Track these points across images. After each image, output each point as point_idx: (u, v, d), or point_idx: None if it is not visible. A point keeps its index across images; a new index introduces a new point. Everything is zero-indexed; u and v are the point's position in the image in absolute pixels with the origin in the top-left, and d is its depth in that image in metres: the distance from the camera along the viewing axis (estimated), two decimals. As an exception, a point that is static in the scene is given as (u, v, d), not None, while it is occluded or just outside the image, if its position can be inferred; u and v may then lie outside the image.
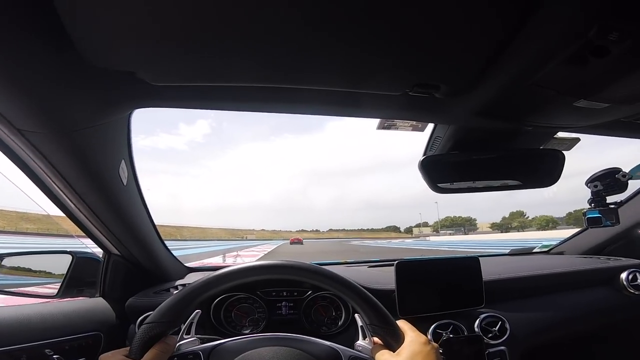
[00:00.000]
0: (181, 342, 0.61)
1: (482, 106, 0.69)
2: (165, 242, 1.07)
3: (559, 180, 0.91)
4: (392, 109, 0.74)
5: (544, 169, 0.89)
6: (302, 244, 47.40)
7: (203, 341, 0.64)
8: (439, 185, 0.86)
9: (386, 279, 1.10)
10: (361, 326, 0.65)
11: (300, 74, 0.59)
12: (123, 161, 0.76)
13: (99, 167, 0.70)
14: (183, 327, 0.62)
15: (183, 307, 0.58)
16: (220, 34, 0.46)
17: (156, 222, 0.99)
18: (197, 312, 0.65)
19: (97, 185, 0.72)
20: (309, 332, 1.08)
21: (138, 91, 0.62)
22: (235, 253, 16.86)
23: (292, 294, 1.10)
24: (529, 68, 0.55)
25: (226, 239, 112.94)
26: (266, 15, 0.42)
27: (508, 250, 1.85)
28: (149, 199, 0.92)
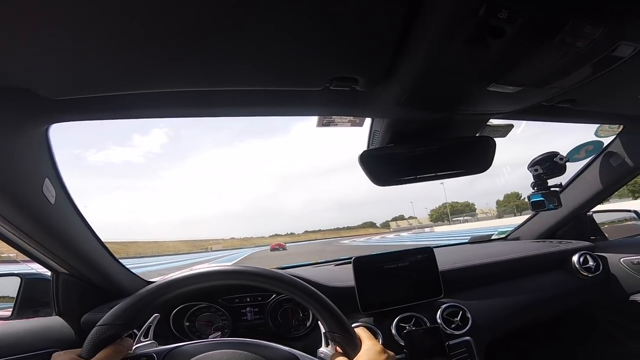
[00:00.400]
0: (138, 345, 0.60)
1: (405, 97, 0.72)
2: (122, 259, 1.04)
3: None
4: (318, 105, 0.77)
5: (478, 156, 0.93)
6: (284, 249, 42.02)
7: (161, 345, 0.63)
8: (380, 178, 0.89)
9: (349, 276, 1.11)
10: (324, 332, 0.64)
11: (218, 75, 0.59)
12: (47, 179, 0.74)
13: (17, 188, 0.68)
14: (141, 330, 0.62)
15: (136, 311, 0.58)
16: (125, 41, 0.46)
17: (105, 239, 0.97)
18: (156, 316, 0.65)
19: (20, 206, 0.70)
20: (277, 335, 1.09)
21: (39, 107, 0.59)
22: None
23: (256, 299, 1.10)
24: (434, 52, 0.57)
25: (186, 252, 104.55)
26: (176, 16, 0.43)
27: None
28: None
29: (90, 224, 0.91)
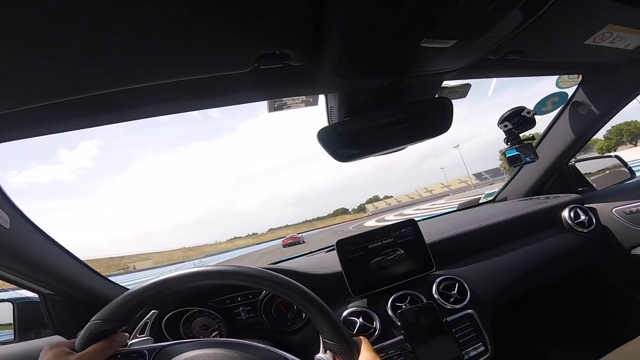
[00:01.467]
0: (133, 341, 0.60)
1: (344, 67, 0.72)
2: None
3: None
4: (254, 88, 0.76)
5: (437, 118, 0.93)
6: (300, 243, 35.37)
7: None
8: (340, 154, 0.88)
9: (337, 261, 1.09)
10: (322, 339, 0.62)
11: (133, 70, 0.57)
12: None
13: None
14: (137, 326, 0.62)
15: (131, 307, 0.58)
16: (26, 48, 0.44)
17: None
18: (153, 312, 0.65)
19: None
20: (273, 331, 1.08)
21: None
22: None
23: (247, 297, 1.09)
24: (352, 12, 0.55)
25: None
26: (77, 11, 0.41)
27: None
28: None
29: (58, 241, 0.90)
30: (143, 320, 0.63)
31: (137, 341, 0.61)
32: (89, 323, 0.56)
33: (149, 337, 0.62)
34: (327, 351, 0.61)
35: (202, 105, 0.79)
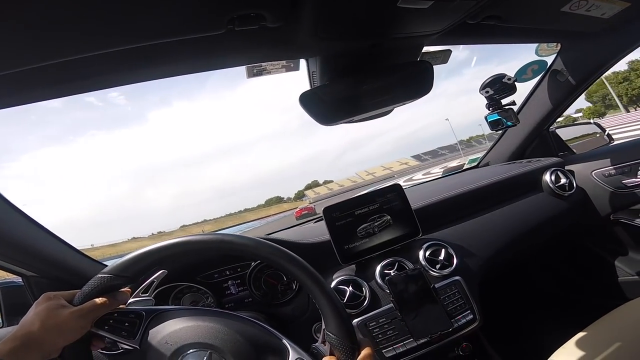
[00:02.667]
0: (135, 300, 0.59)
1: (323, 28, 0.71)
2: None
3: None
4: (230, 52, 0.74)
5: (418, 81, 0.94)
6: (315, 214, 32.33)
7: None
8: (323, 117, 0.88)
9: (325, 231, 1.09)
10: (323, 329, 0.58)
11: (94, 35, 0.54)
12: None
13: None
14: (143, 285, 0.61)
15: (144, 266, 0.56)
16: None
17: None
18: (163, 272, 0.63)
19: None
20: (264, 304, 1.08)
21: None
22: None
23: (235, 271, 1.09)
24: None
25: None
26: None
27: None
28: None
29: (37, 220, 0.87)
30: (150, 280, 0.61)
31: (138, 300, 0.60)
32: (96, 276, 0.54)
33: (151, 299, 0.61)
34: (326, 343, 0.57)
35: (175, 71, 0.77)
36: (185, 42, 0.64)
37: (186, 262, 1.03)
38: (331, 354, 0.56)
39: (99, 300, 0.53)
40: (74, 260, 0.96)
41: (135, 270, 0.55)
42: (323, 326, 0.58)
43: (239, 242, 0.58)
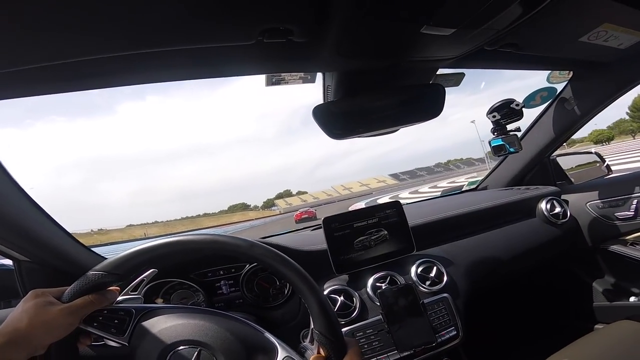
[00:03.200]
0: (124, 297, 0.59)
1: (345, 46, 0.72)
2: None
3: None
4: (255, 61, 0.76)
5: (429, 103, 0.95)
6: (316, 219, 28.09)
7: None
8: (333, 131, 0.89)
9: (323, 239, 1.10)
10: (312, 329, 0.59)
11: (137, 35, 0.57)
12: None
13: None
14: (132, 283, 0.61)
15: (136, 264, 0.56)
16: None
17: None
18: (153, 271, 0.63)
19: None
20: (255, 306, 1.09)
21: None
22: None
23: (229, 271, 1.09)
24: None
25: None
26: None
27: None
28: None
29: (42, 206, 0.84)
30: (139, 278, 0.61)
31: (127, 298, 0.60)
32: (87, 273, 0.54)
33: (141, 296, 0.61)
34: (315, 342, 0.58)
35: (205, 74, 0.79)
36: (217, 49, 0.67)
37: (181, 259, 1.03)
38: (319, 352, 0.57)
39: (88, 297, 0.53)
40: (74, 250, 0.94)
41: (127, 268, 0.55)
42: (312, 325, 0.59)
43: (232, 242, 0.58)
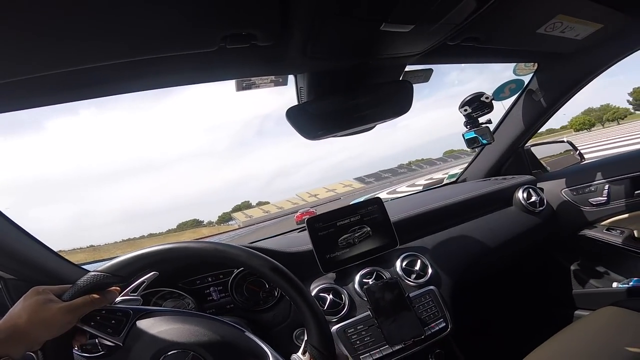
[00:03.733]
0: (123, 298, 0.60)
1: (312, 48, 0.74)
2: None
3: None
4: (221, 67, 0.77)
5: (399, 100, 0.98)
6: None
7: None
8: (308, 132, 0.92)
9: (307, 241, 1.12)
10: (305, 340, 0.63)
11: (92, 47, 0.56)
12: None
13: None
14: (132, 285, 0.62)
15: (139, 267, 0.58)
16: None
17: None
18: (154, 274, 0.64)
19: None
20: (245, 310, 1.10)
21: None
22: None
23: (217, 277, 1.10)
24: None
25: None
26: None
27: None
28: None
29: (18, 223, 0.84)
30: (140, 280, 0.63)
31: (126, 299, 0.61)
32: (91, 273, 0.56)
33: (139, 298, 0.62)
34: (307, 354, 0.62)
35: (170, 82, 0.79)
36: (179, 57, 0.67)
37: (168, 268, 1.04)
38: None
39: (88, 297, 0.54)
40: (53, 263, 0.94)
41: (130, 270, 0.57)
42: (305, 337, 0.62)
43: (232, 252, 0.61)
